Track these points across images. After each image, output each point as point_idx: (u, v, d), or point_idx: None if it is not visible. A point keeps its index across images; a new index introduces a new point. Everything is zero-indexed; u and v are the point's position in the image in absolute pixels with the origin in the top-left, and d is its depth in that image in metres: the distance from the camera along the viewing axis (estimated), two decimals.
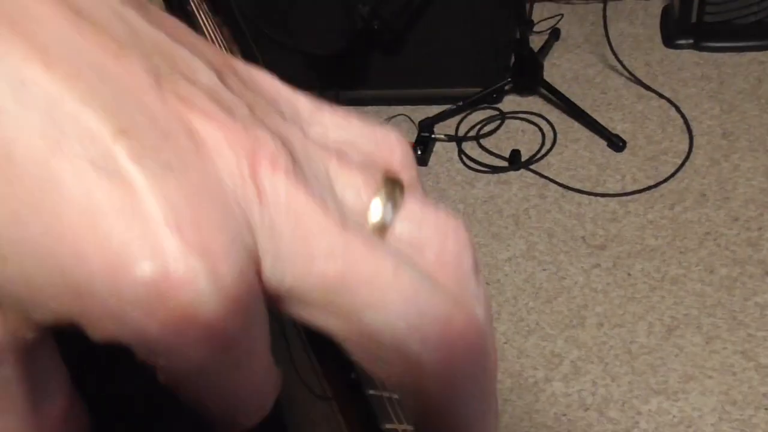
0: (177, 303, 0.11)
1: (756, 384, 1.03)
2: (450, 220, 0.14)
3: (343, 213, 0.13)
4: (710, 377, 1.05)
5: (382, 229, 0.14)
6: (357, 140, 0.15)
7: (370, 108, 1.73)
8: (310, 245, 0.12)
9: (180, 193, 0.11)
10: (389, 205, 0.14)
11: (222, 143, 0.12)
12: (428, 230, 0.14)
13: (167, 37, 0.13)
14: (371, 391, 0.32)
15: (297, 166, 0.13)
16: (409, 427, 0.33)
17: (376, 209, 0.14)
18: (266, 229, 0.12)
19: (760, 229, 1.22)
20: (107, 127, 0.11)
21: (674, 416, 1.02)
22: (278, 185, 0.12)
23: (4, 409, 0.12)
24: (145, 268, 0.11)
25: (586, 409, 1.06)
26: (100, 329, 0.11)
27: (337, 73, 1.71)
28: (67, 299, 0.11)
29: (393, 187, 0.14)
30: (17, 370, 0.12)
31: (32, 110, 0.11)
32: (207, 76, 0.13)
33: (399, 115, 1.69)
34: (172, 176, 0.11)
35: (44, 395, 0.13)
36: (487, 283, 1.28)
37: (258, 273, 0.12)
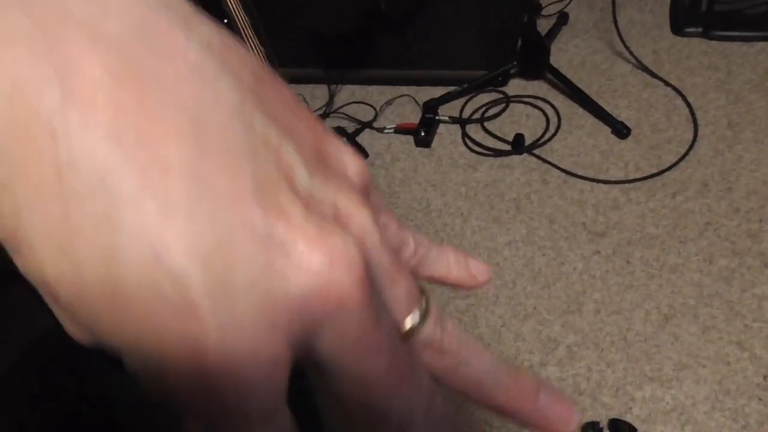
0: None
1: (750, 374, 1.03)
2: (460, 335, 0.19)
3: (384, 314, 0.16)
4: (704, 366, 1.06)
5: (410, 333, 0.17)
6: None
7: (374, 88, 1.72)
8: (359, 351, 0.15)
9: (238, 303, 0.13)
10: (421, 316, 0.18)
11: (311, 253, 0.14)
12: (447, 340, 0.18)
13: (277, 131, 0.14)
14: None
15: (371, 277, 0.15)
16: None
17: (413, 319, 0.17)
18: (324, 328, 0.14)
19: (760, 221, 1.22)
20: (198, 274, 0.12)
21: (667, 403, 1.03)
22: (353, 297, 0.14)
23: None
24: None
25: (580, 394, 1.07)
26: None
27: (342, 52, 1.70)
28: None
29: (428, 301, 0.18)
30: None
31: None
32: (302, 175, 0.14)
33: (403, 95, 1.68)
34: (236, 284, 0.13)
35: None
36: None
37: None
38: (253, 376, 0.13)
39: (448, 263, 0.21)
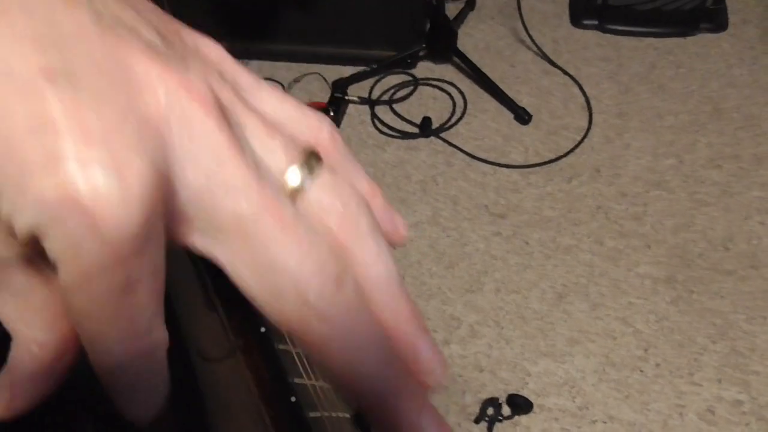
0: (79, 209, 0.12)
1: (633, 348, 1.12)
2: (354, 192, 0.16)
3: (260, 168, 0.14)
4: (593, 341, 1.13)
5: (296, 192, 0.15)
6: (289, 119, 0.17)
7: (281, 64, 1.68)
8: (225, 182, 0.14)
9: (94, 114, 0.12)
10: (305, 172, 0.15)
11: (153, 77, 0.13)
12: (335, 198, 0.16)
13: (132, 14, 0.14)
14: (281, 346, 0.31)
15: (225, 114, 0.14)
16: (320, 383, 0.33)
17: (294, 175, 0.15)
18: (184, 159, 0.13)
19: (645, 204, 1.31)
20: (35, 57, 0.12)
21: (560, 377, 1.09)
22: (204, 121, 0.13)
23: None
24: (45, 180, 0.12)
25: (481, 371, 1.11)
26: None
27: (248, 25, 1.64)
28: None
29: (311, 158, 0.15)
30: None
31: None
32: (149, 33, 0.14)
33: (312, 73, 1.65)
34: (89, 98, 0.12)
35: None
36: (393, 248, 1.29)
37: (164, 201, 0.13)
38: (121, 195, 0.12)
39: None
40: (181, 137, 0.13)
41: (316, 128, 0.17)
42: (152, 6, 0.15)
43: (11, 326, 0.15)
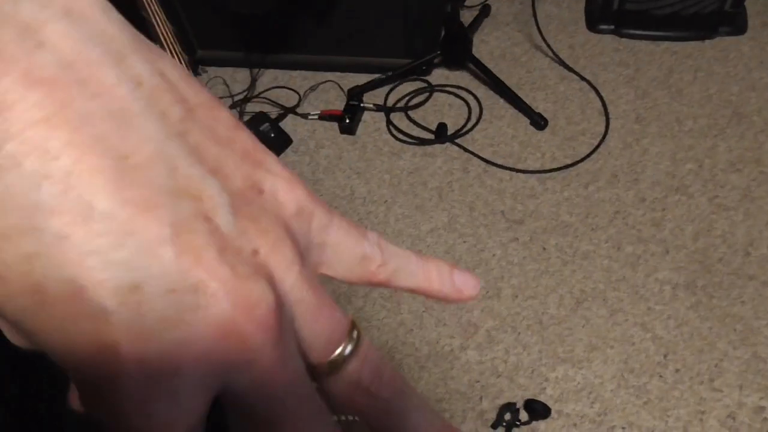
0: None
1: (652, 354, 1.11)
2: (387, 367, 0.19)
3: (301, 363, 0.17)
4: (612, 347, 1.12)
5: (335, 367, 0.18)
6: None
7: (297, 73, 1.70)
8: (268, 395, 0.16)
9: (155, 345, 0.14)
10: (348, 349, 0.18)
11: (221, 298, 0.14)
12: (369, 370, 0.18)
13: (201, 172, 0.15)
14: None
15: (281, 322, 0.15)
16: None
17: (340, 352, 0.18)
18: (234, 371, 0.15)
19: (663, 210, 1.30)
20: (108, 278, 0.13)
21: (578, 383, 1.08)
22: (264, 344, 0.15)
23: None
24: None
25: (498, 376, 1.11)
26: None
27: (265, 35, 1.67)
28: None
29: (358, 336, 0.18)
30: None
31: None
32: (224, 218, 0.15)
33: (327, 81, 1.66)
34: (153, 328, 0.14)
35: None
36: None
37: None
38: (168, 415, 0.14)
39: (428, 277, 0.21)
40: (238, 354, 0.15)
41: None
42: (237, 138, 0.17)
43: None
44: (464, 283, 0.22)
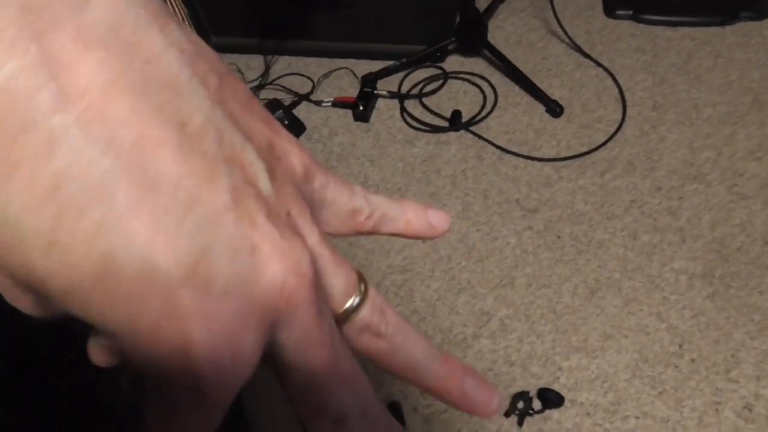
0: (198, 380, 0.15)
1: (666, 344, 1.10)
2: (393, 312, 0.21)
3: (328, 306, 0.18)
4: (626, 336, 1.11)
5: (348, 314, 0.19)
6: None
7: (311, 60, 1.69)
8: (311, 345, 0.17)
9: (220, 307, 0.15)
10: (358, 299, 0.19)
11: (276, 262, 0.15)
12: (376, 314, 0.20)
13: (240, 138, 0.16)
14: None
15: (317, 279, 0.17)
16: None
17: (353, 302, 0.19)
18: (285, 325, 0.16)
19: (680, 198, 1.29)
20: (177, 251, 0.14)
21: (592, 372, 1.08)
22: (307, 309, 0.16)
23: None
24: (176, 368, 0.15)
25: (511, 365, 1.11)
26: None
27: (279, 21, 1.66)
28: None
29: (365, 286, 0.20)
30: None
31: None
32: (264, 183, 0.16)
33: (341, 68, 1.66)
34: (220, 294, 0.15)
35: None
36: (423, 242, 1.29)
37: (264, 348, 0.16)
38: (233, 371, 0.15)
39: (407, 219, 0.23)
40: (287, 310, 0.16)
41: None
42: (255, 107, 0.17)
43: None
44: (438, 220, 0.24)
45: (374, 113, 1.55)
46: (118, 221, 0.13)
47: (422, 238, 0.24)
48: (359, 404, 0.18)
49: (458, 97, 1.55)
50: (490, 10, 1.69)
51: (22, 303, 0.15)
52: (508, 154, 1.41)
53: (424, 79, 1.58)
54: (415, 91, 1.57)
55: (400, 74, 1.60)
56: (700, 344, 1.09)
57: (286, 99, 1.60)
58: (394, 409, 0.52)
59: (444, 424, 1.06)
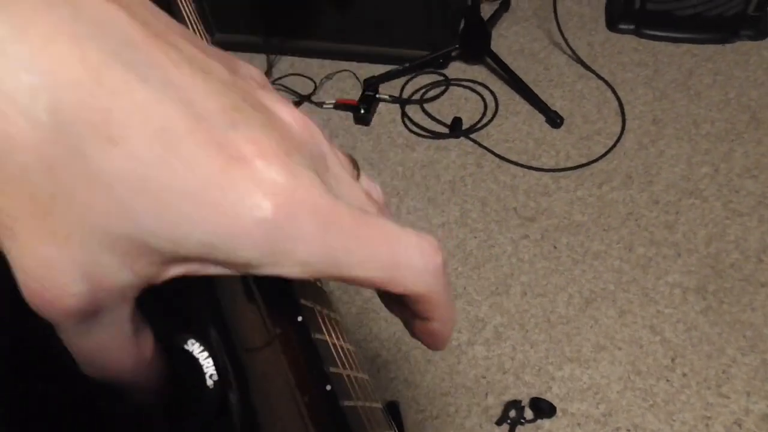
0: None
1: (660, 357, 1.10)
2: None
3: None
4: (620, 348, 1.12)
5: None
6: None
7: (314, 60, 1.70)
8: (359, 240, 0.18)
9: (274, 142, 0.17)
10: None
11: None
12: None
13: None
14: (317, 336, 0.32)
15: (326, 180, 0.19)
16: (354, 372, 0.34)
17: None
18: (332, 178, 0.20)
19: (677, 213, 1.30)
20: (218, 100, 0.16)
21: (584, 383, 1.08)
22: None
23: (112, 339, 0.17)
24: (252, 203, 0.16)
25: (504, 373, 1.11)
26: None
27: (283, 21, 1.66)
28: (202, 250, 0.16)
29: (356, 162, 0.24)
30: (130, 310, 0.17)
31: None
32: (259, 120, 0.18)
33: (344, 70, 1.66)
34: (262, 132, 0.17)
35: (139, 330, 0.19)
36: None
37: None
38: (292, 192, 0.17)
39: None
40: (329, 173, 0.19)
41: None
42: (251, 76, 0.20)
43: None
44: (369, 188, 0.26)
45: (375, 117, 1.55)
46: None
47: None
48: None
49: (459, 104, 1.55)
50: (494, 18, 1.70)
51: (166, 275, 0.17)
52: (507, 163, 1.42)
53: (426, 85, 1.58)
54: (417, 96, 1.57)
55: (403, 79, 1.60)
56: (692, 358, 1.09)
57: (288, 99, 1.60)
58: (393, 409, 0.51)
59: (437, 429, 1.06)
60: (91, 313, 0.16)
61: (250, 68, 0.21)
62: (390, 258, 0.19)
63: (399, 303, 0.22)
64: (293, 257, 0.17)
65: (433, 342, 0.24)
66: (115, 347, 0.17)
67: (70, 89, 0.14)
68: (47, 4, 0.14)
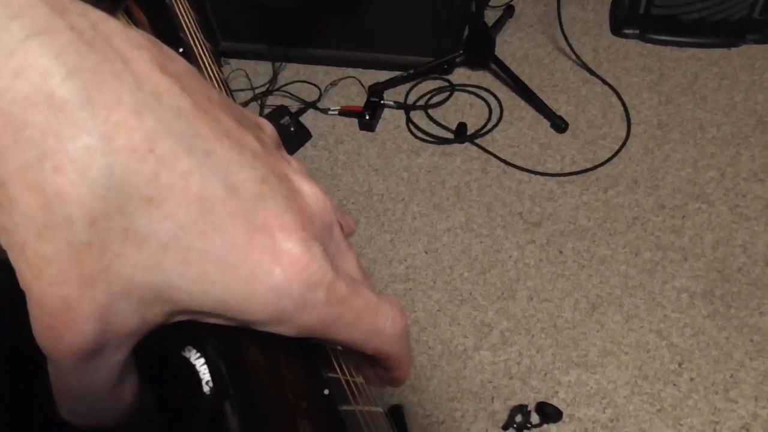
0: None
1: (667, 361, 1.10)
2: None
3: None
4: (626, 353, 1.12)
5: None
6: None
7: (319, 68, 1.71)
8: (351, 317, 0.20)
9: (296, 216, 0.18)
10: None
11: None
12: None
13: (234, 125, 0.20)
14: (314, 339, 0.32)
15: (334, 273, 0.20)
16: (352, 377, 0.34)
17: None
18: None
19: (683, 217, 1.29)
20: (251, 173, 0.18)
21: (591, 387, 1.08)
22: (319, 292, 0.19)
23: (102, 382, 0.18)
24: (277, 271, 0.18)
25: (511, 378, 1.11)
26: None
27: (288, 29, 1.67)
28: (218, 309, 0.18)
29: None
30: (127, 355, 0.18)
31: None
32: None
33: (349, 77, 1.67)
34: (289, 211, 0.18)
35: (127, 376, 0.19)
36: (426, 252, 1.30)
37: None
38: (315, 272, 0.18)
39: None
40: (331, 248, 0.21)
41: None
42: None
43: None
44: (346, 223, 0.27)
45: (380, 123, 1.56)
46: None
47: None
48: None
49: (464, 109, 1.56)
50: (499, 24, 1.70)
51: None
52: (512, 168, 1.42)
53: (431, 91, 1.59)
54: (422, 102, 1.57)
55: (407, 85, 1.61)
56: (699, 363, 1.09)
57: (293, 106, 1.61)
58: (397, 413, 0.51)
59: None
60: (92, 352, 0.17)
61: (266, 124, 0.23)
62: (370, 326, 0.21)
63: (367, 361, 0.25)
64: (295, 321, 0.18)
65: (393, 384, 0.27)
66: (102, 390, 0.18)
67: (125, 154, 0.15)
68: (114, 73, 0.15)
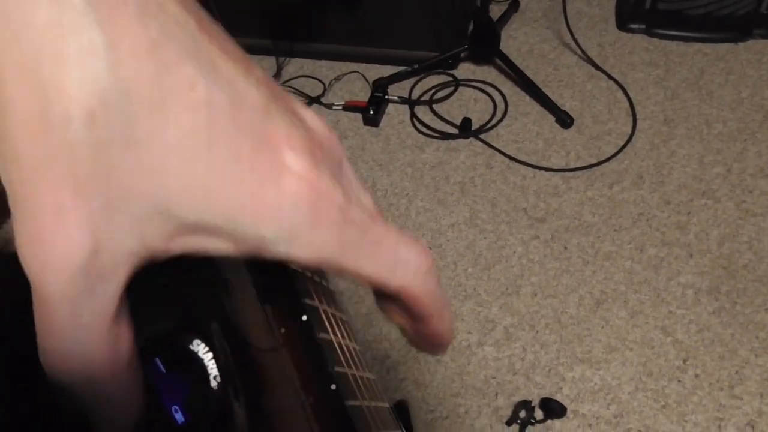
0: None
1: (671, 358, 1.09)
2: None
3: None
4: (631, 349, 1.11)
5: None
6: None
7: (323, 62, 1.70)
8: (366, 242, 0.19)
9: (303, 133, 0.18)
10: None
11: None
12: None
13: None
14: (321, 335, 0.32)
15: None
16: (360, 372, 0.34)
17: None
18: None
19: (689, 213, 1.29)
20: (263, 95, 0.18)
21: (595, 384, 1.08)
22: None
23: (95, 319, 0.17)
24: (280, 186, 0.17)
25: (515, 374, 1.10)
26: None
27: (292, 24, 1.67)
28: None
29: None
30: (121, 285, 0.17)
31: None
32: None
33: (353, 72, 1.66)
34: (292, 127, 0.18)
35: (122, 317, 0.18)
36: (430, 248, 1.29)
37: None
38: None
39: None
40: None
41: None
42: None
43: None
44: None
45: (384, 118, 1.55)
46: None
47: None
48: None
49: (469, 104, 1.55)
50: (504, 19, 1.69)
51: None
52: (517, 163, 1.41)
53: (436, 86, 1.58)
54: (426, 97, 1.57)
55: (412, 80, 1.60)
56: (704, 359, 1.09)
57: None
58: (401, 409, 0.51)
59: (446, 430, 1.06)
60: (85, 272, 0.16)
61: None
62: (391, 256, 0.20)
63: (397, 308, 0.23)
64: (307, 239, 0.17)
65: (432, 343, 0.25)
66: (94, 330, 0.17)
67: (128, 54, 0.14)
68: None
